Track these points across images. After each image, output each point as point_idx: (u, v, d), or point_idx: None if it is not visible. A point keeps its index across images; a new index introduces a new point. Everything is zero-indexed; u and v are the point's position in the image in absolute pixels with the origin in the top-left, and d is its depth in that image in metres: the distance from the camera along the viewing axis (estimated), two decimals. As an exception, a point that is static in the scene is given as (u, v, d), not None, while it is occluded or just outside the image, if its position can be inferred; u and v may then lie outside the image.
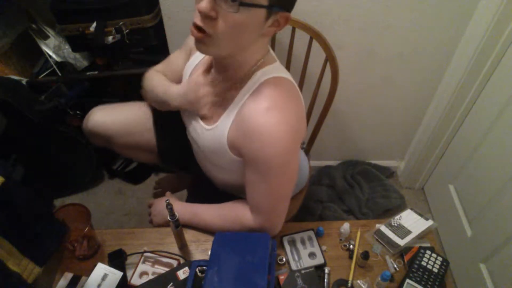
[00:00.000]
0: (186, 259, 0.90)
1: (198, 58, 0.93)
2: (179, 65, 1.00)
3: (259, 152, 0.75)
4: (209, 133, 0.85)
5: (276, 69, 0.80)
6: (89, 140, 1.15)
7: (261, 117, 0.73)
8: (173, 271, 0.83)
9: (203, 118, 0.88)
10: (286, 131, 0.74)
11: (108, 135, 1.10)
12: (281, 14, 0.69)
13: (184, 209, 0.95)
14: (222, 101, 0.83)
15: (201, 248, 0.93)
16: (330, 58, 1.15)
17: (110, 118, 1.10)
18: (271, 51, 0.85)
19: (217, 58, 0.82)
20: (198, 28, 0.67)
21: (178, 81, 0.97)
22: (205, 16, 0.65)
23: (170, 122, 1.10)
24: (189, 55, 0.97)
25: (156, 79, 1.00)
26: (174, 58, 1.03)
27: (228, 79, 0.81)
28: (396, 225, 0.97)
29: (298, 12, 1.24)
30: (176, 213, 0.84)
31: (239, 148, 0.80)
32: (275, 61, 0.82)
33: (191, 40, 0.95)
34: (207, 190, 1.08)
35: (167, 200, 0.83)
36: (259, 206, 0.85)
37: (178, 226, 0.86)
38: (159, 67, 1.05)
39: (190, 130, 0.95)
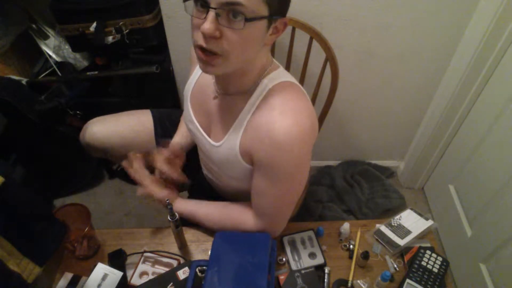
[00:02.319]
0: (186, 259, 0.90)
1: (195, 77, 0.91)
2: None
3: (272, 158, 0.74)
4: (218, 149, 0.85)
5: (281, 75, 0.79)
6: (86, 152, 1.13)
7: (274, 123, 0.72)
8: (173, 271, 0.83)
9: (209, 135, 0.87)
10: (299, 135, 0.72)
11: (106, 147, 1.08)
12: (279, 20, 0.69)
13: (186, 204, 0.95)
14: (228, 115, 0.81)
15: (201, 248, 0.93)
16: (330, 58, 1.15)
17: (108, 130, 1.08)
18: (273, 58, 0.84)
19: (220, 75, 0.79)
20: (204, 50, 0.65)
21: None
22: (209, 37, 0.63)
23: (171, 133, 1.10)
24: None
25: None
26: None
27: (232, 92, 0.80)
28: (396, 225, 0.97)
29: (298, 12, 1.24)
30: (176, 214, 0.84)
31: (251, 154, 0.78)
32: (278, 67, 0.81)
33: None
34: (209, 192, 1.07)
35: (167, 200, 0.82)
36: (264, 210, 0.84)
37: (178, 226, 0.86)
38: None
39: (199, 145, 0.94)
